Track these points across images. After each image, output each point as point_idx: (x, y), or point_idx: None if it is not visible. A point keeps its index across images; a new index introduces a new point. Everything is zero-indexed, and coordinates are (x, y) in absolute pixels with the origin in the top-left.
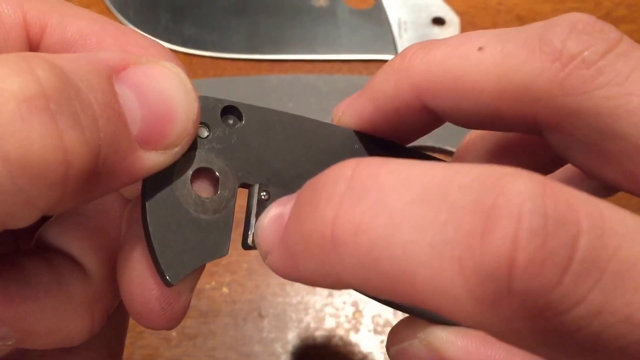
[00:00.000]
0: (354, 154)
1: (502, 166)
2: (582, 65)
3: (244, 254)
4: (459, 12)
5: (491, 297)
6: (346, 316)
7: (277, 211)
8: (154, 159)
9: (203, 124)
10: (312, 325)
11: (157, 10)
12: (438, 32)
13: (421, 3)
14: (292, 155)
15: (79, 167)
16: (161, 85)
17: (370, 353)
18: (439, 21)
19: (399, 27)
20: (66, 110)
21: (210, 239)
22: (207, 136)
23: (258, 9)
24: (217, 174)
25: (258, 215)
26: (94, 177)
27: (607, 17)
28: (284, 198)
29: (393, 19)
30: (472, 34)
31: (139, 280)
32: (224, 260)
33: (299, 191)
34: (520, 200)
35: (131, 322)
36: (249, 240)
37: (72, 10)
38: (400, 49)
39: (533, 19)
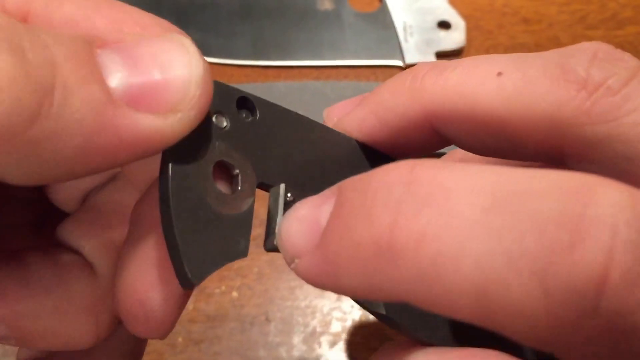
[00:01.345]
0: (357, 163)
1: (580, 173)
2: (608, 92)
3: (255, 258)
4: (465, 15)
5: (573, 317)
6: (353, 320)
7: (306, 213)
8: (150, 122)
9: (220, 112)
10: (318, 329)
11: (161, 15)
12: (444, 36)
13: (426, 6)
14: (303, 157)
15: (13, 97)
16: (154, 47)
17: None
18: (444, 25)
19: (405, 31)
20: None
21: (232, 238)
22: (226, 127)
23: (263, 13)
24: (236, 169)
25: None
26: (60, 130)
27: (613, 18)
28: (312, 199)
29: (398, 22)
30: (487, 57)
31: (140, 283)
32: (235, 264)
33: (338, 193)
34: (615, 211)
35: None
36: (275, 242)
37: None
38: (406, 53)
39: (539, 21)
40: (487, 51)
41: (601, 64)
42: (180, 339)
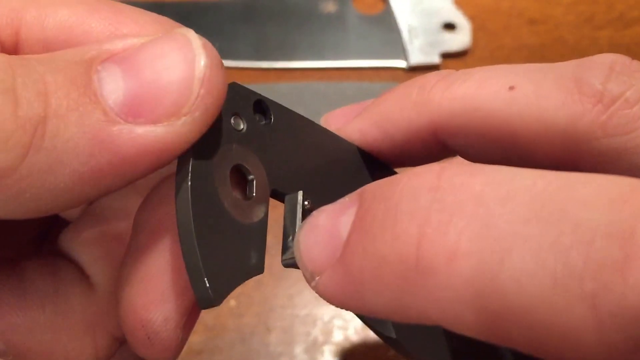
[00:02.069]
0: (360, 172)
1: (629, 178)
2: (625, 105)
3: None
4: (470, 17)
5: (630, 345)
6: (355, 328)
7: (325, 224)
8: (151, 133)
9: (237, 114)
10: (320, 338)
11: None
12: (449, 37)
13: (431, 8)
14: (314, 164)
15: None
16: (154, 51)
17: None
18: (449, 26)
19: (409, 32)
20: None
21: (248, 250)
22: (242, 129)
23: (266, 16)
24: (251, 175)
25: None
26: (54, 161)
27: (621, 19)
28: (330, 208)
29: (403, 24)
30: (497, 68)
31: (141, 302)
32: None
33: (359, 201)
34: None
35: None
36: (293, 256)
37: None
38: (410, 55)
39: (545, 22)
40: (493, 53)
41: (618, 77)
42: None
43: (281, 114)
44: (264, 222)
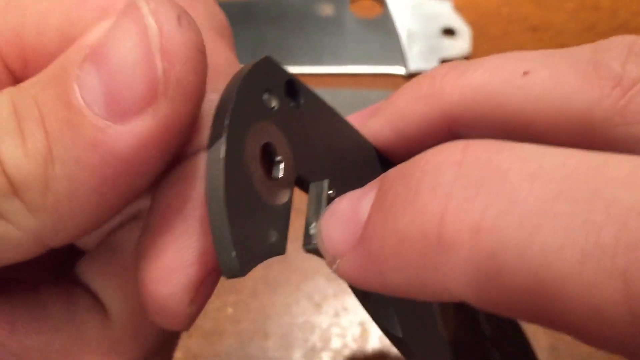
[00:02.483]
0: (375, 170)
1: None
2: None
3: (248, 274)
4: (470, 22)
5: None
6: (352, 335)
7: (345, 207)
8: (140, 126)
9: (269, 91)
10: (318, 345)
11: None
12: (448, 44)
13: (431, 13)
14: (337, 154)
15: (22, 179)
16: (113, 37)
17: None
18: (449, 31)
19: (408, 38)
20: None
21: (273, 229)
22: (274, 107)
23: (263, 19)
24: (279, 156)
25: None
26: (74, 185)
27: (624, 27)
28: (351, 193)
29: (402, 29)
30: (511, 55)
31: (153, 275)
32: (228, 281)
33: (380, 184)
34: None
35: None
36: (316, 242)
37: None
38: (409, 60)
39: (547, 29)
40: None
41: (638, 59)
42: (179, 355)
43: (310, 99)
44: (287, 206)
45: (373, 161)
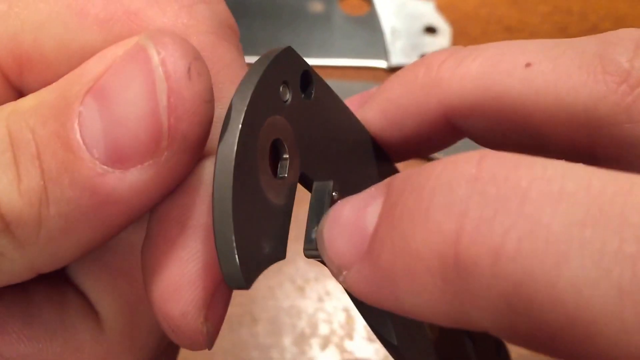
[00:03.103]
0: (372, 161)
1: None
2: None
3: None
4: (451, 21)
5: None
6: (339, 322)
7: (350, 215)
8: (140, 176)
9: (285, 84)
10: (307, 331)
11: None
12: (429, 41)
13: (414, 12)
14: (344, 151)
15: (14, 216)
16: (117, 79)
17: None
18: (431, 30)
19: (392, 34)
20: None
21: (276, 233)
22: (287, 100)
23: (254, 13)
24: (286, 153)
25: None
26: (66, 223)
27: (593, 30)
28: (355, 198)
29: (386, 26)
30: (512, 44)
31: (163, 295)
32: None
33: (387, 191)
34: None
35: None
36: (317, 247)
37: (45, 8)
38: (392, 55)
39: (521, 30)
40: None
41: None
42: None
43: (323, 92)
44: (289, 206)
45: (370, 152)
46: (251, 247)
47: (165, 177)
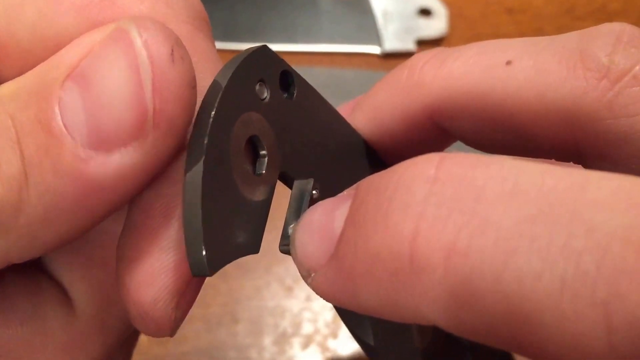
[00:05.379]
0: (365, 167)
1: None
2: (633, 82)
3: None
4: (447, 3)
5: None
6: (325, 321)
7: (319, 219)
8: (123, 158)
9: (262, 82)
10: (289, 330)
11: None
12: (424, 23)
13: None
14: (327, 150)
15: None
16: (99, 62)
17: None
18: (425, 12)
19: (384, 17)
20: None
21: (249, 229)
22: (265, 98)
23: None
24: (264, 150)
25: None
26: (48, 210)
27: (602, 10)
28: (325, 203)
29: (378, 9)
30: (493, 43)
31: (135, 281)
32: None
33: (355, 194)
34: None
35: None
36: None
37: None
38: (384, 40)
39: (524, 12)
40: (469, 41)
41: (626, 49)
42: (144, 339)
43: (305, 91)
44: (267, 203)
45: (361, 156)
46: (218, 238)
47: (149, 161)
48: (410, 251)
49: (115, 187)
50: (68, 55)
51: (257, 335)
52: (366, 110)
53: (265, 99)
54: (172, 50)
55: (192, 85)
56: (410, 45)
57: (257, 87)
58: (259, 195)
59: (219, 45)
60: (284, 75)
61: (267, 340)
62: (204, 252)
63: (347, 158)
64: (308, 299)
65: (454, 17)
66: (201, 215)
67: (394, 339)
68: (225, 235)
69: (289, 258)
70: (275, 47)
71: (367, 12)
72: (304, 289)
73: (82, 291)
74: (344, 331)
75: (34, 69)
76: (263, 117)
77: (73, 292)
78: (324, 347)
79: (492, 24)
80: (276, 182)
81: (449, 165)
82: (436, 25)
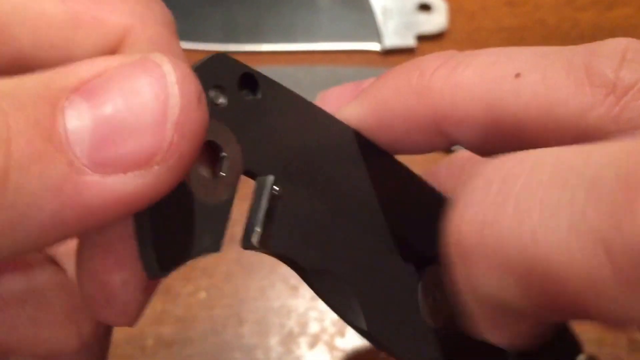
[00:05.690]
0: (353, 157)
1: None
2: (638, 95)
3: (222, 256)
4: None
5: None
6: (331, 320)
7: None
8: (121, 185)
9: (218, 87)
10: (296, 330)
11: None
12: (424, 19)
13: None
14: (300, 146)
15: None
16: (121, 85)
17: (357, 358)
18: (425, 7)
19: (383, 13)
20: None
21: (207, 230)
22: (221, 104)
23: None
24: (223, 152)
25: (269, 212)
26: (18, 217)
27: (603, 1)
28: None
29: (377, 5)
30: (503, 53)
31: (99, 265)
32: (200, 263)
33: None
34: None
35: None
36: (254, 240)
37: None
38: (384, 36)
39: (525, 3)
40: (470, 35)
41: (631, 65)
42: (150, 342)
43: (272, 90)
44: (229, 203)
45: (352, 147)
46: (169, 243)
47: (147, 192)
48: (457, 238)
49: (102, 211)
50: (79, 69)
51: (263, 336)
52: (371, 103)
53: (221, 104)
54: (200, 94)
55: (206, 127)
56: (410, 41)
57: (212, 93)
58: (219, 197)
59: (219, 46)
60: (247, 78)
61: (274, 341)
62: (153, 256)
63: (331, 152)
64: (314, 298)
65: (454, 12)
66: (149, 227)
67: (393, 320)
68: (177, 239)
69: None
70: (275, 47)
71: (366, 9)
72: (309, 289)
73: (72, 259)
74: (351, 329)
75: (36, 74)
76: (219, 121)
77: (64, 262)
78: (331, 346)
79: (492, 17)
80: (238, 181)
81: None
82: (436, 20)
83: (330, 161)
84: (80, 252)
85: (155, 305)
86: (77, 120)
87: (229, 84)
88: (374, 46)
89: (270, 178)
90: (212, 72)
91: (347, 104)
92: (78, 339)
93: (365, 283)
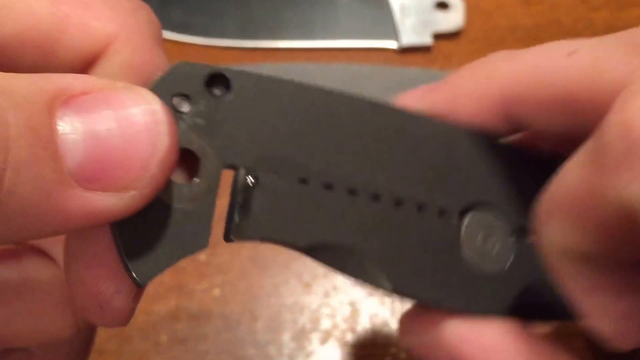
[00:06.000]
0: (356, 119)
1: None
2: None
3: (236, 254)
4: None
5: None
6: (343, 316)
7: None
8: (101, 202)
9: (183, 95)
10: (308, 326)
11: None
12: (441, 17)
13: None
14: (288, 128)
15: None
16: (121, 114)
17: (368, 354)
18: (442, 5)
19: (401, 11)
20: None
21: (188, 232)
22: (186, 111)
23: None
24: (198, 156)
25: (245, 204)
26: (7, 215)
27: (617, 1)
28: None
29: (395, 3)
30: (560, 42)
31: (89, 275)
32: (215, 261)
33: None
34: None
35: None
36: (231, 234)
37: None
38: (402, 35)
39: (540, 3)
40: (486, 33)
41: None
42: (164, 338)
43: (245, 82)
44: (211, 202)
45: (349, 110)
46: (147, 253)
47: (119, 210)
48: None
49: (78, 218)
50: (72, 81)
51: (276, 332)
52: (445, 91)
53: (185, 111)
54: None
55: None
56: (427, 40)
57: (175, 101)
58: (198, 198)
59: (237, 42)
60: (215, 77)
61: (286, 337)
62: (132, 267)
63: (321, 121)
64: (326, 295)
65: (471, 10)
66: (127, 236)
67: (425, 273)
68: (154, 247)
69: None
70: (292, 43)
71: (384, 7)
72: (322, 285)
73: (60, 249)
74: (362, 325)
75: (25, 75)
76: (184, 129)
77: (53, 252)
78: (342, 342)
79: (508, 16)
80: (218, 180)
81: None
82: (453, 18)
83: (325, 131)
84: (69, 263)
85: (170, 301)
86: (70, 132)
87: (193, 90)
88: (391, 44)
89: (242, 170)
90: (170, 83)
91: (416, 102)
92: (74, 326)
93: (387, 245)
